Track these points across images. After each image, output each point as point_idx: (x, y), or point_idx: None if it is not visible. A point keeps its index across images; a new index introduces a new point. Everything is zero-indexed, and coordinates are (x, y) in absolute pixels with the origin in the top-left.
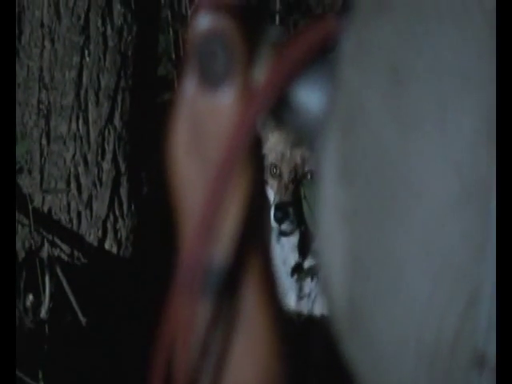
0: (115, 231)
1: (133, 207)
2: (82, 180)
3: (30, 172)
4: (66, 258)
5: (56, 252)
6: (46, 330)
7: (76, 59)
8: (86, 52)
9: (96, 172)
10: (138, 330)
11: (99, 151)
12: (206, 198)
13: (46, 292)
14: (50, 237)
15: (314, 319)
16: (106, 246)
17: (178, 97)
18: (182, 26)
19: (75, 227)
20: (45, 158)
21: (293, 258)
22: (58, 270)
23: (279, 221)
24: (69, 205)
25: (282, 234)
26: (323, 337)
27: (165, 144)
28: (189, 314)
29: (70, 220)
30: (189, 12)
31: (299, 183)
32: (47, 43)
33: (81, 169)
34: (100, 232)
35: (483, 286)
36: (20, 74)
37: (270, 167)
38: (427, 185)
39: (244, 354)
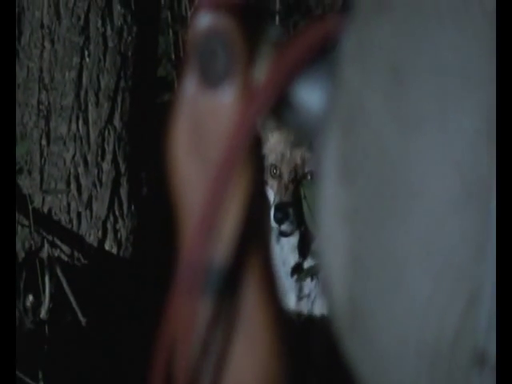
0: (115, 232)
1: (133, 208)
2: (82, 181)
3: (29, 172)
4: (65, 259)
5: (56, 252)
6: (46, 330)
7: (76, 60)
8: (86, 53)
9: (96, 173)
10: (137, 330)
11: (99, 152)
12: (207, 197)
13: (45, 292)
14: (50, 237)
15: (314, 319)
16: (106, 247)
17: (178, 96)
18: (181, 27)
19: (75, 228)
20: (45, 159)
21: (292, 258)
22: (58, 271)
23: (279, 221)
24: (69, 205)
25: (282, 234)
26: (323, 337)
27: (165, 144)
28: (189, 313)
29: (70, 220)
30: (189, 13)
31: (299, 184)
32: (47, 44)
33: (81, 169)
34: (100, 232)
35: (483, 285)
36: (20, 75)
37: (270, 168)
38: (427, 184)
39: (244, 354)
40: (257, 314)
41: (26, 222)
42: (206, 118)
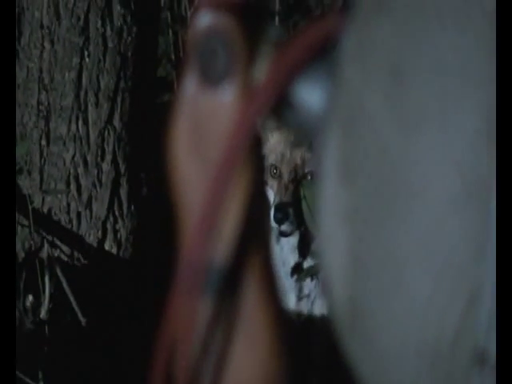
0: (115, 232)
1: (132, 208)
2: (82, 181)
3: (29, 173)
4: (65, 259)
5: (56, 253)
6: (46, 330)
7: (76, 60)
8: (86, 53)
9: (96, 173)
10: (137, 331)
11: (99, 152)
12: (207, 197)
13: (45, 292)
14: (50, 237)
15: (314, 320)
16: (106, 247)
17: (179, 96)
18: (181, 28)
19: (75, 228)
20: (44, 159)
21: (292, 258)
22: (58, 271)
23: (279, 221)
24: (68, 205)
25: (282, 234)
26: (323, 337)
27: (165, 144)
28: (189, 312)
29: (70, 221)
30: (188, 13)
31: (299, 184)
32: (47, 44)
33: (80, 170)
34: (100, 233)
35: (483, 285)
36: (20, 75)
37: (270, 168)
38: (428, 184)
39: (244, 353)
40: (257, 313)
41: (25, 222)
42: (206, 117)
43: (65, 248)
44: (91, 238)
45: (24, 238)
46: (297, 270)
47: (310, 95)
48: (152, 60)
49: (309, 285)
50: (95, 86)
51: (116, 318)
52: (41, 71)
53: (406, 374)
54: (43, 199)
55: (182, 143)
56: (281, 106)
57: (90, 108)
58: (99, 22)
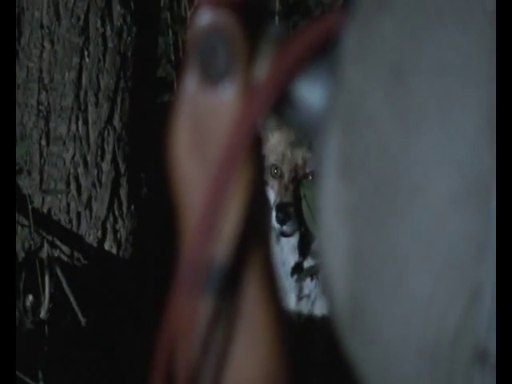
0: (115, 232)
1: (132, 208)
2: (82, 181)
3: (29, 173)
4: (65, 259)
5: (56, 253)
6: (46, 330)
7: (75, 60)
8: (86, 53)
9: (95, 173)
10: (137, 331)
11: (99, 152)
12: (207, 195)
13: (45, 292)
14: (50, 237)
15: (314, 320)
16: (106, 247)
17: (179, 94)
18: (181, 28)
19: (75, 228)
20: (44, 159)
21: (292, 258)
22: (58, 271)
23: (281, 222)
24: (68, 205)
25: (283, 234)
26: (323, 337)
27: (165, 142)
28: (190, 311)
29: (70, 221)
30: (188, 14)
31: (299, 184)
32: (47, 44)
33: (80, 170)
34: (99, 233)
35: (484, 283)
36: (20, 75)
37: (270, 168)
38: (428, 183)
39: (245, 352)
40: (257, 312)
41: (25, 222)
42: (206, 116)
43: (65, 248)
44: (91, 238)
45: (24, 238)
46: (297, 269)
47: (311, 94)
48: (152, 60)
49: (309, 285)
50: (95, 86)
51: (116, 318)
52: (41, 71)
53: (407, 373)
54: (43, 199)
55: (182, 142)
56: (281, 105)
57: (89, 108)
58: (99, 22)
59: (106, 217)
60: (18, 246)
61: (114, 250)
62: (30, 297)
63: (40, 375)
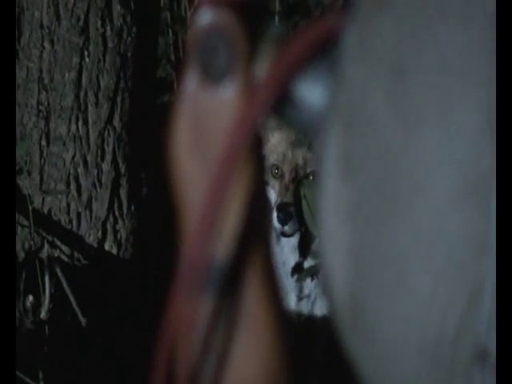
0: (115, 232)
1: (132, 208)
2: (82, 181)
3: (29, 173)
4: (65, 259)
5: (56, 253)
6: (46, 330)
7: (75, 60)
8: (86, 53)
9: (96, 173)
10: (137, 331)
11: (99, 152)
12: (208, 195)
13: (45, 293)
14: (50, 238)
15: (314, 320)
16: (106, 247)
17: (180, 94)
18: (181, 28)
19: (75, 228)
20: (44, 159)
21: (293, 258)
22: (58, 271)
23: (282, 222)
24: (68, 206)
25: (283, 234)
26: (323, 337)
27: (166, 142)
28: (190, 311)
29: (70, 221)
30: (188, 14)
31: (299, 184)
32: (47, 44)
33: (80, 170)
34: (100, 233)
35: (484, 282)
36: (20, 76)
37: (271, 168)
38: (429, 182)
39: (245, 351)
40: (258, 312)
41: (25, 223)
42: (206, 115)
43: (65, 248)
44: (91, 239)
45: (24, 238)
46: (297, 269)
47: (311, 93)
48: (152, 60)
49: (309, 285)
50: (95, 86)
51: (116, 318)
52: (41, 71)
53: (407, 373)
54: (43, 199)
55: (182, 141)
56: (282, 104)
57: (89, 108)
58: (99, 22)
59: (106, 217)
60: (18, 247)
61: (114, 251)
62: (30, 297)
63: (40, 375)
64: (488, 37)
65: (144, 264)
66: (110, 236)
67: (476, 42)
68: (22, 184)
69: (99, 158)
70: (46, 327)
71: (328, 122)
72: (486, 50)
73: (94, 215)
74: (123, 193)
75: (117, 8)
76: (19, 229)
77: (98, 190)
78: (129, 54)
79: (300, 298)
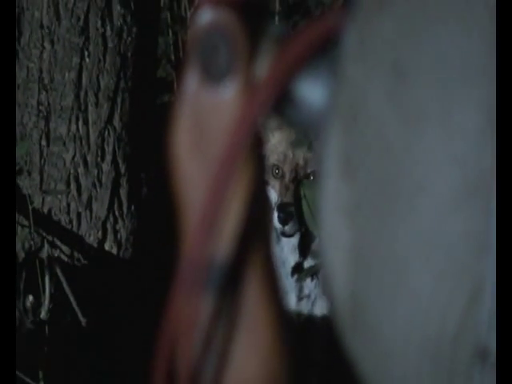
0: (115, 232)
1: (133, 208)
2: (82, 181)
3: (29, 173)
4: (65, 259)
5: (56, 253)
6: (46, 330)
7: (75, 60)
8: (86, 53)
9: (96, 173)
10: (137, 331)
11: (99, 152)
12: (208, 194)
13: (45, 293)
14: (50, 238)
15: (314, 320)
16: (106, 247)
17: (180, 94)
18: (181, 28)
19: (75, 228)
20: (44, 159)
21: (293, 258)
22: (58, 271)
23: (283, 222)
24: (68, 206)
25: (284, 234)
26: (323, 337)
27: (166, 142)
28: (191, 310)
29: (70, 221)
30: (188, 14)
31: (300, 183)
32: (47, 44)
33: (80, 170)
34: (100, 233)
35: (485, 282)
36: (20, 76)
37: (271, 168)
38: (429, 181)
39: (246, 351)
40: (258, 311)
41: (25, 223)
42: (207, 114)
43: (65, 248)
44: (91, 239)
45: (24, 238)
46: (297, 269)
47: (312, 93)
48: (152, 60)
49: (309, 285)
50: (95, 86)
51: (116, 318)
52: (41, 71)
53: (407, 372)
54: (43, 199)
55: (183, 141)
56: (282, 104)
57: (89, 108)
58: (99, 22)
59: (107, 217)
60: (18, 246)
61: (114, 251)
62: (30, 297)
63: (40, 375)
64: (488, 36)
65: (144, 264)
66: (110, 236)
67: (476, 42)
68: (21, 184)
69: (99, 158)
70: (46, 327)
71: (328, 122)
72: (486, 49)
73: (94, 215)
74: (123, 193)
75: (117, 8)
76: (19, 229)
77: (98, 189)
78: (129, 54)
79: (300, 298)
